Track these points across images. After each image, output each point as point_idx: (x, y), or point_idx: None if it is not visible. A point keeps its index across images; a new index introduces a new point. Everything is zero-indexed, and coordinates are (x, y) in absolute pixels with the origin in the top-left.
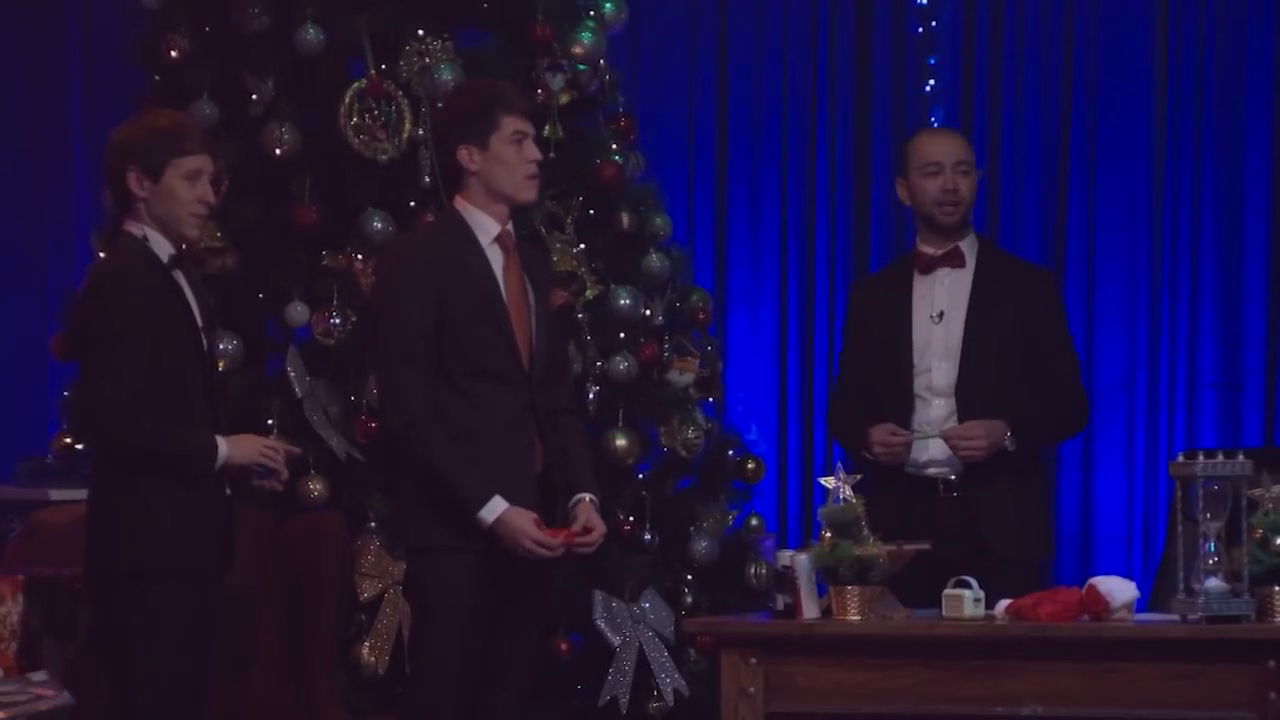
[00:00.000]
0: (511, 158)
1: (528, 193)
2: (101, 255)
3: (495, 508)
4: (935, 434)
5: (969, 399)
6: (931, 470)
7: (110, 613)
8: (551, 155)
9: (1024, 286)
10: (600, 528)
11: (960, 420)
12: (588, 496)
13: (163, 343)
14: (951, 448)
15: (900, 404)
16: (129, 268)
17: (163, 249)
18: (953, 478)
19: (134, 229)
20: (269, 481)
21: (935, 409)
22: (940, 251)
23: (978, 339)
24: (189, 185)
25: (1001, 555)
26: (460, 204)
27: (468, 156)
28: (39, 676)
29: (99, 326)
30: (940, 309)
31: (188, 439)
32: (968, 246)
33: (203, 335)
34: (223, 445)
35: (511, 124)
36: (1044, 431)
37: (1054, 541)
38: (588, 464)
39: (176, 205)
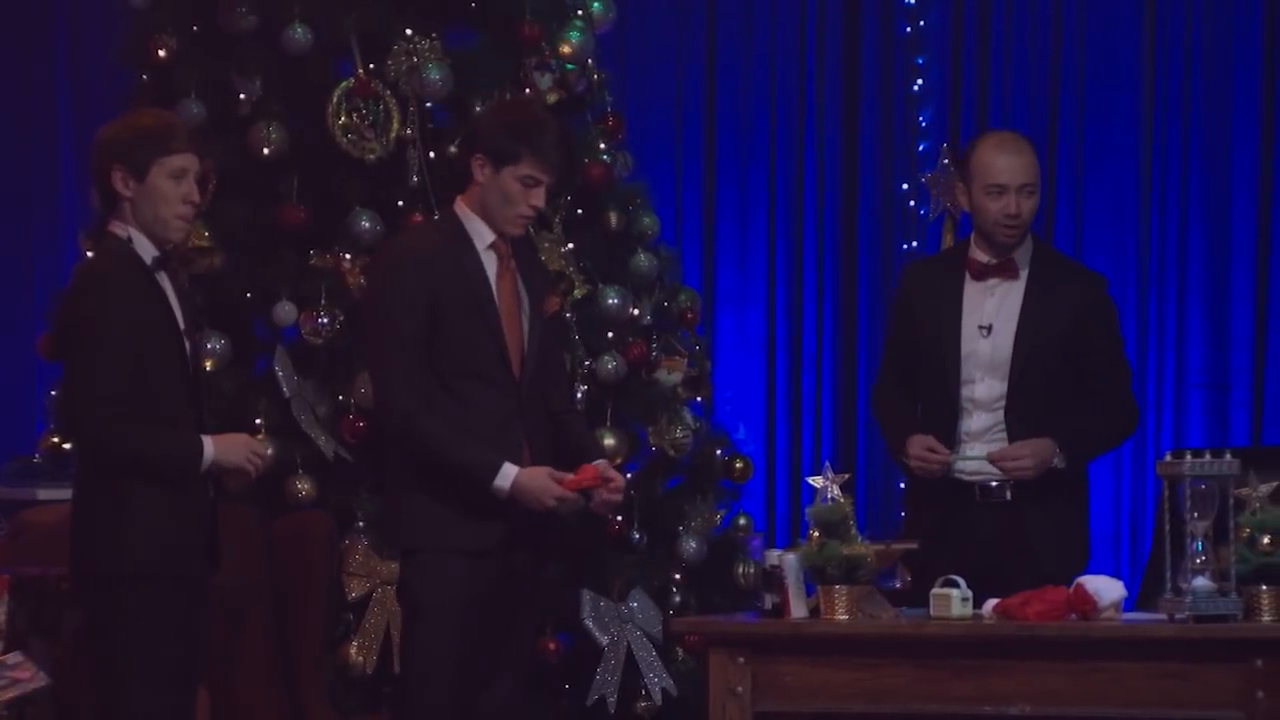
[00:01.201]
0: (514, 194)
1: (512, 229)
2: (87, 255)
3: (508, 474)
4: (979, 456)
5: (1019, 415)
6: (967, 476)
7: (95, 615)
8: None
9: (1076, 295)
10: (619, 477)
11: (1009, 434)
12: (600, 460)
13: (145, 346)
14: (998, 469)
15: (944, 412)
16: (112, 271)
17: (147, 251)
18: (993, 484)
19: (119, 230)
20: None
21: (977, 421)
22: (993, 261)
23: (1027, 356)
24: (174, 184)
25: (1044, 568)
26: (460, 206)
27: (479, 166)
28: (14, 659)
29: (81, 330)
30: (989, 322)
31: (173, 441)
32: (1022, 255)
33: (185, 338)
34: (209, 446)
35: (529, 168)
36: (1094, 443)
37: (1088, 552)
38: (597, 450)
39: (162, 205)
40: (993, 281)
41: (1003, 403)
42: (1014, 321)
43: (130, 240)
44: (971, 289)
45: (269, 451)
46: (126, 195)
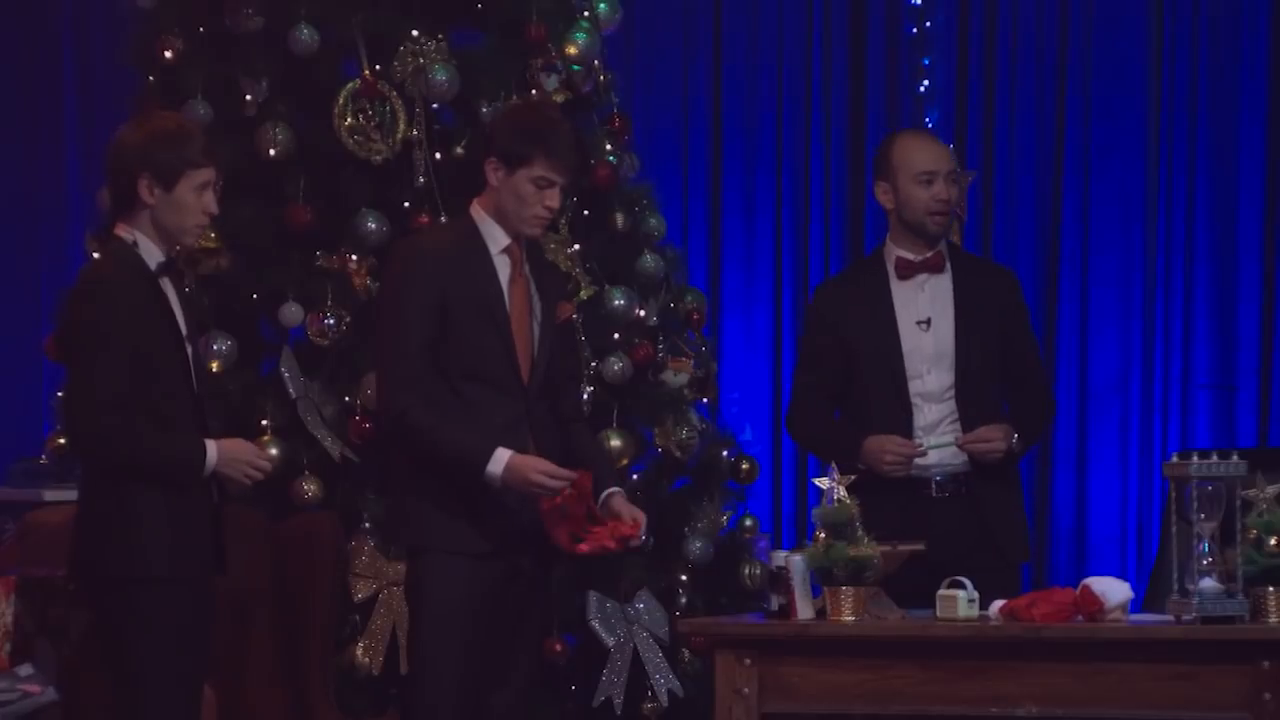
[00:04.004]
0: (528, 196)
1: (529, 230)
2: (93, 257)
3: (500, 458)
4: (946, 444)
5: (969, 402)
6: (933, 468)
7: (105, 618)
8: None
9: (998, 288)
10: (641, 514)
11: (963, 423)
12: (617, 490)
13: (147, 351)
14: (971, 453)
15: (897, 411)
16: (115, 276)
17: (152, 256)
18: (948, 477)
19: (125, 233)
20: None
21: (929, 414)
22: (920, 257)
23: (969, 344)
24: (197, 197)
25: (1002, 552)
26: (475, 210)
27: (492, 170)
28: (25, 670)
29: (84, 333)
30: (926, 315)
31: (174, 445)
32: (944, 250)
33: (187, 343)
34: (212, 452)
35: (542, 169)
36: (1035, 429)
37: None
38: (606, 463)
39: (183, 215)
40: (921, 277)
41: (952, 392)
42: (950, 312)
43: (136, 244)
44: (900, 288)
45: (274, 453)
46: (150, 203)
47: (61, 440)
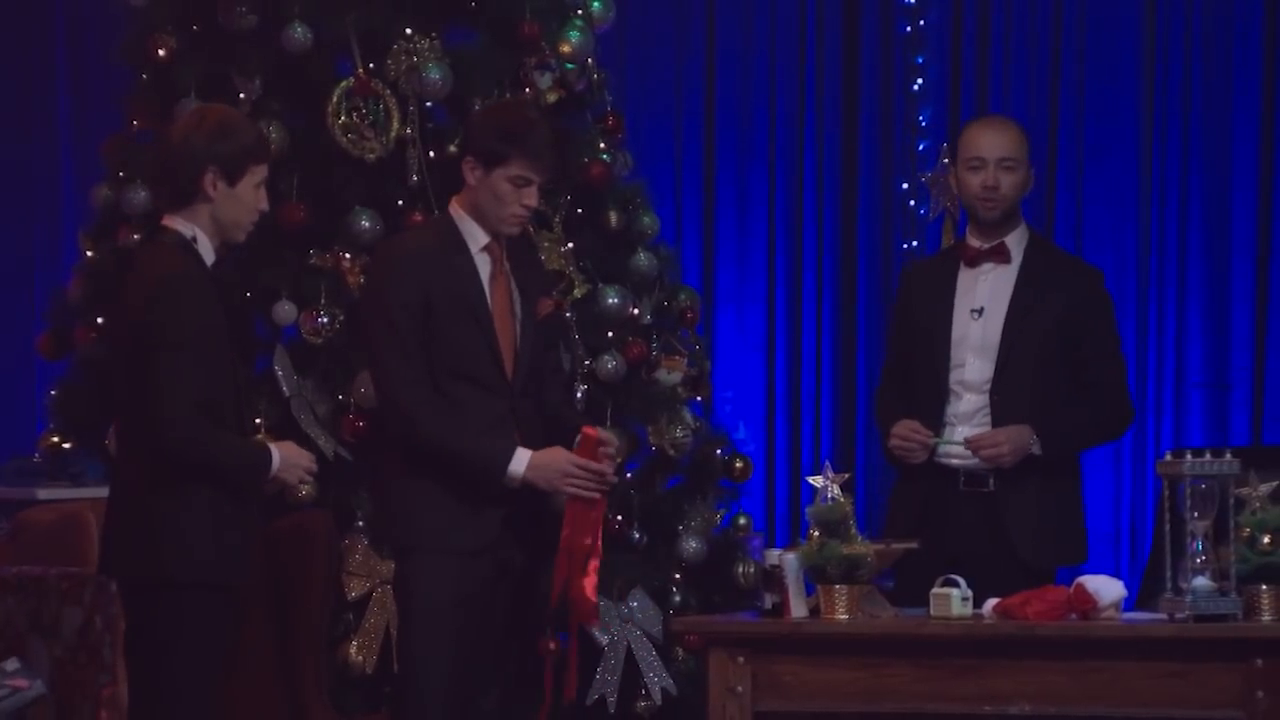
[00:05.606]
0: (506, 195)
1: (507, 229)
2: (148, 247)
3: (521, 459)
4: (958, 441)
5: (1003, 398)
6: (954, 461)
7: (147, 620)
8: None
9: (1070, 286)
10: (612, 437)
11: (993, 417)
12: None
13: (216, 352)
14: (974, 453)
15: (934, 396)
16: (187, 271)
17: (208, 252)
18: (977, 473)
19: (181, 227)
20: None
21: (965, 404)
22: (985, 245)
23: (1016, 338)
24: (255, 191)
25: (1021, 558)
26: (454, 209)
27: (470, 168)
28: (11, 665)
29: (166, 332)
30: (981, 305)
31: (246, 448)
32: (1014, 242)
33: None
34: (275, 456)
35: (519, 168)
36: (1076, 437)
37: (1085, 546)
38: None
39: (243, 211)
40: (986, 266)
41: (990, 384)
42: (1005, 304)
43: (195, 240)
44: (965, 275)
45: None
46: (212, 197)
47: (55, 439)
